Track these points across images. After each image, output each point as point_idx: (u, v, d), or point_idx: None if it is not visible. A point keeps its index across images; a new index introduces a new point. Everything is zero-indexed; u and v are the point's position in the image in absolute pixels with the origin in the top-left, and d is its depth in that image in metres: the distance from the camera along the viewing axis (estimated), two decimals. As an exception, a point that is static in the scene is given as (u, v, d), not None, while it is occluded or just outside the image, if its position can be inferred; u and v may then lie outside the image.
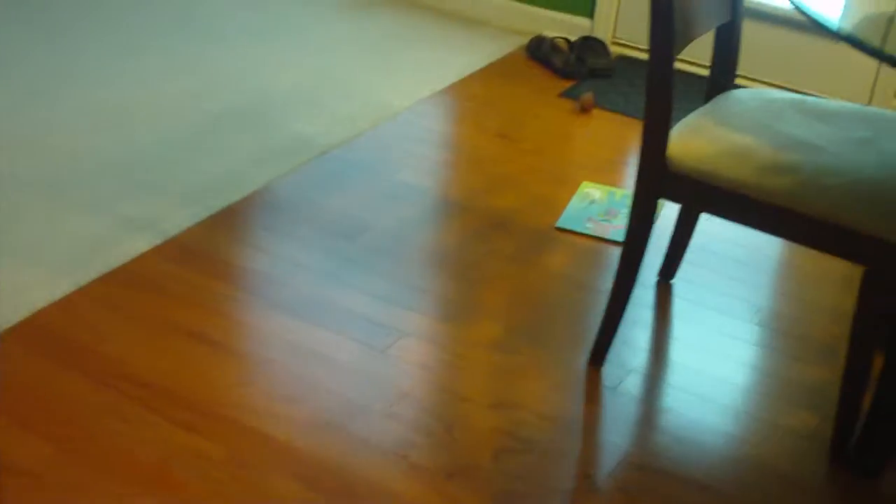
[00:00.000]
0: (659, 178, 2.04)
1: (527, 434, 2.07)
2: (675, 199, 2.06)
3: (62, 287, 2.39)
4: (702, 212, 2.40)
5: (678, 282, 2.55)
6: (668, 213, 2.80)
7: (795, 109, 2.15)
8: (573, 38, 3.75)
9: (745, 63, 3.56)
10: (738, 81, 3.52)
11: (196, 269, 2.49)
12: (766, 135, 2.03)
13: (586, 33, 3.80)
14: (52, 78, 3.35)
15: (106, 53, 3.54)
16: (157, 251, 2.54)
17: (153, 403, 2.08)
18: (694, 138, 2.03)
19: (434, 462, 1.98)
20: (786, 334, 2.41)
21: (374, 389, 2.15)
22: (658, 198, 2.07)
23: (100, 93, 3.29)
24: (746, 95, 2.22)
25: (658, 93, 1.98)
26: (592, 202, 2.84)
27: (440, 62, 3.66)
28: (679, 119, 2.18)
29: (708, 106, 2.18)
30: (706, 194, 2.00)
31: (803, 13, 1.86)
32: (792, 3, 1.89)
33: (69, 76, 3.37)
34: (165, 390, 2.11)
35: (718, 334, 2.38)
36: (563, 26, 3.85)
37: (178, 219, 2.68)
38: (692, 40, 2.04)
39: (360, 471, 1.95)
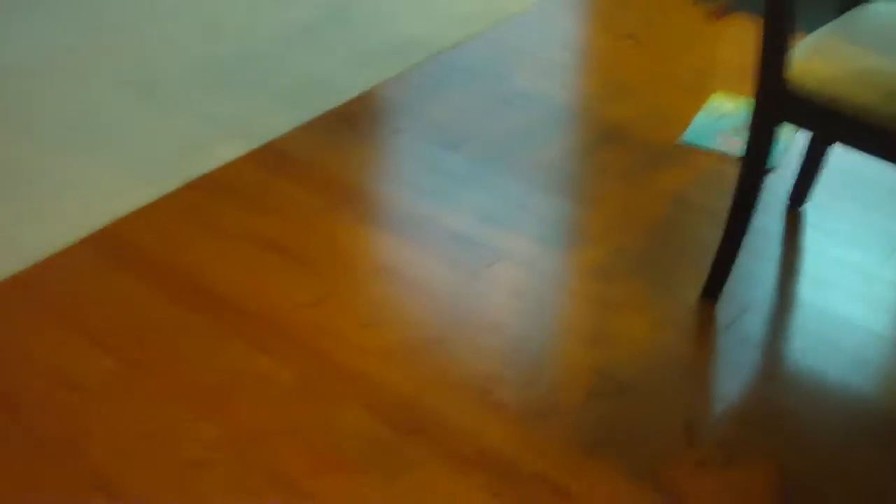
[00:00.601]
0: (778, 101, 1.78)
1: (623, 375, 1.87)
2: (796, 124, 1.80)
3: (146, 194, 2.28)
4: (827, 140, 2.13)
5: (811, 208, 2.28)
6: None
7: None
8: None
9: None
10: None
11: (287, 178, 2.35)
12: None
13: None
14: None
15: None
16: (248, 157, 2.41)
17: (225, 319, 1.96)
18: (818, 58, 1.76)
19: (518, 401, 1.81)
20: (932, 273, 2.13)
21: (462, 317, 1.99)
22: (777, 122, 1.81)
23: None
24: (885, 8, 1.91)
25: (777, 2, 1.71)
26: (723, 115, 2.57)
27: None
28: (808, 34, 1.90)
29: (839, 20, 1.89)
30: (830, 120, 1.73)
31: None
32: None
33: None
34: (239, 307, 1.99)
35: (851, 271, 2.12)
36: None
37: (274, 123, 2.53)
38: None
39: (437, 406, 1.80)
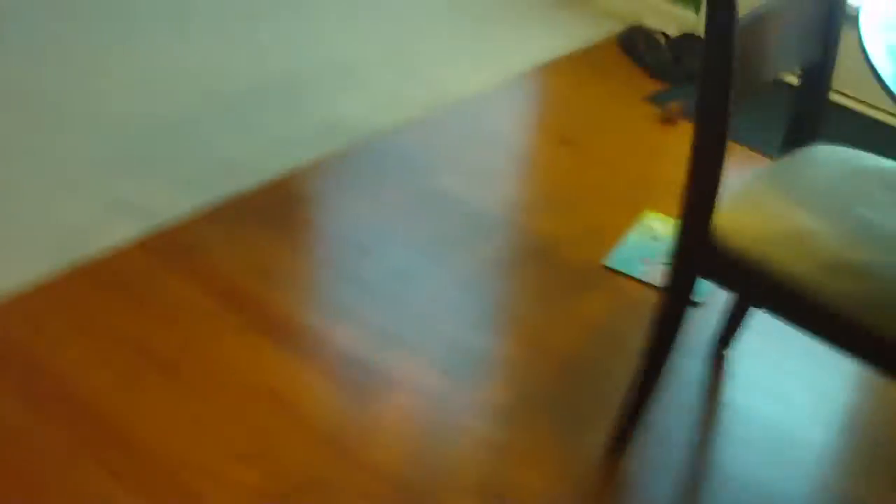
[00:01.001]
0: (699, 256, 1.63)
1: (509, 540, 1.70)
2: (717, 282, 1.64)
3: (23, 279, 2.10)
4: (750, 303, 1.97)
5: (736, 354, 2.13)
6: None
7: (888, 185, 1.70)
8: (673, 34, 3.30)
9: (844, 77, 3.05)
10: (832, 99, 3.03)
11: (178, 273, 2.17)
12: (841, 219, 1.60)
13: (690, 29, 3.34)
14: (71, 41, 3.06)
15: (124, 20, 3.24)
16: (140, 244, 2.23)
17: (84, 437, 1.77)
18: (748, 212, 1.62)
19: (388, 564, 1.63)
20: (858, 449, 1.98)
21: (343, 458, 1.81)
22: (696, 276, 1.65)
23: (113, 59, 2.98)
24: (827, 158, 1.77)
25: (708, 152, 1.56)
26: (653, 238, 2.43)
27: (519, 45, 3.25)
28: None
29: (776, 167, 1.75)
30: (754, 284, 1.58)
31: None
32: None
33: (80, 39, 3.08)
34: (104, 424, 1.80)
35: (772, 438, 1.96)
36: (666, 17, 3.40)
37: (174, 207, 2.36)
38: (761, 88, 1.62)
39: (297, 564, 1.62)
